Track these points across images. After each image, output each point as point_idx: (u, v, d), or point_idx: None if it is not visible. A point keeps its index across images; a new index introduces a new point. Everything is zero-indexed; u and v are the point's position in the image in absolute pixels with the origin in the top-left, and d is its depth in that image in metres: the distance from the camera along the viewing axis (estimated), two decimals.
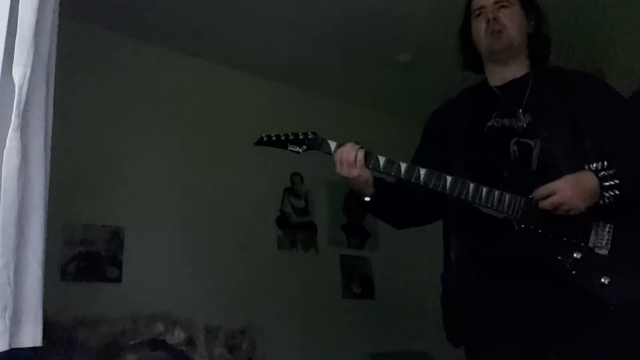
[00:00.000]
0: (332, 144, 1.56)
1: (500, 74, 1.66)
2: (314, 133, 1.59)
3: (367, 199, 1.60)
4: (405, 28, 3.21)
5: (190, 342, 2.07)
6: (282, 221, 3.56)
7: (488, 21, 1.61)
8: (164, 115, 3.20)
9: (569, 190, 1.38)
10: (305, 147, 1.58)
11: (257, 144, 1.63)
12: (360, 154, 1.51)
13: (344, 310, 3.66)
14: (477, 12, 1.66)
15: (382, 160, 1.52)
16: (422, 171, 1.49)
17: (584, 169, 1.43)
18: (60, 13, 1.27)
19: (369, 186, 1.57)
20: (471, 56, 1.73)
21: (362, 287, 3.81)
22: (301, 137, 1.59)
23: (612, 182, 1.38)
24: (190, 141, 3.26)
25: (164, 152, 3.15)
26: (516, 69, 1.65)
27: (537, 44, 1.68)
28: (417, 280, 3.97)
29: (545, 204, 1.40)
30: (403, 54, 3.50)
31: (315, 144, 1.58)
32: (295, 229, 3.62)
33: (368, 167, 1.53)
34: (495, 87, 1.66)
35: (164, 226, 3.04)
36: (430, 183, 1.48)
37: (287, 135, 1.60)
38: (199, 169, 3.25)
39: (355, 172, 1.51)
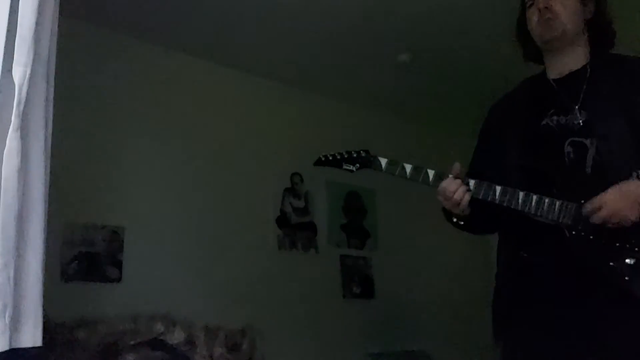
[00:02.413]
0: (383, 161, 1.59)
1: (558, 65, 1.61)
2: (365, 151, 1.63)
3: (460, 222, 1.60)
4: (405, 28, 3.21)
5: (190, 342, 2.07)
6: (282, 221, 3.56)
7: (540, 11, 1.57)
8: (164, 115, 3.20)
9: (617, 202, 1.34)
10: (358, 164, 1.63)
11: (316, 164, 1.70)
12: (467, 198, 1.49)
13: (344, 310, 3.66)
14: (529, 3, 1.62)
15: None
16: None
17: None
18: (60, 13, 1.27)
19: (464, 213, 1.55)
20: (530, 48, 1.68)
21: (362, 287, 3.81)
22: (354, 155, 1.63)
23: None
24: (190, 141, 3.26)
25: (163, 152, 3.15)
26: (574, 60, 1.58)
27: (596, 30, 1.60)
28: (417, 280, 3.98)
29: (595, 219, 1.36)
30: (403, 54, 3.50)
31: (367, 162, 1.61)
32: (295, 229, 3.62)
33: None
34: (553, 79, 1.61)
35: (164, 226, 3.05)
36: (480, 194, 1.47)
37: (342, 154, 1.65)
38: (198, 169, 3.25)
39: (457, 210, 1.53)
